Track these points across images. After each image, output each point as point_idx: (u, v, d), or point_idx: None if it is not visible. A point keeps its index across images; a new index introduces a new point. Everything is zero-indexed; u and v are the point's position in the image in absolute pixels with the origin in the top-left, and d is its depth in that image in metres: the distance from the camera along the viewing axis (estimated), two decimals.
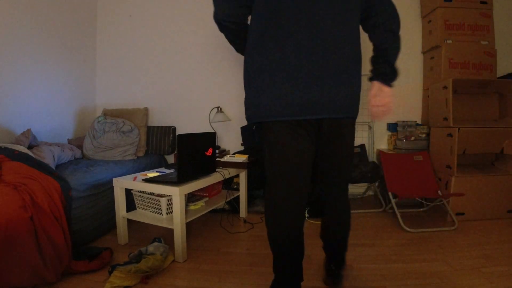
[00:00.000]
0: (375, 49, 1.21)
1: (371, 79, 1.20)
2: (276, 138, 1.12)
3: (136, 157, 2.65)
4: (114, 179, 1.89)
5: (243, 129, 2.83)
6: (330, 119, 1.12)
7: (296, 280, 1.23)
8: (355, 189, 2.89)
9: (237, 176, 2.44)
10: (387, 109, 1.16)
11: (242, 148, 2.84)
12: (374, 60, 1.21)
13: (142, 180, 1.82)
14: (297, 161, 1.11)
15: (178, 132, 3.04)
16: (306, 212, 2.35)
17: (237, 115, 3.02)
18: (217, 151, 2.55)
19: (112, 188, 1.92)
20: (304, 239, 1.23)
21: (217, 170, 2.06)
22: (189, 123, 3.09)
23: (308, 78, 1.05)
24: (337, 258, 1.41)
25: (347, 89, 1.09)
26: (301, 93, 1.05)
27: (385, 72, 1.16)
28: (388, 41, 1.17)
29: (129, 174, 2.16)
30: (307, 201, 1.20)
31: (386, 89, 1.16)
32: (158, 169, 2.24)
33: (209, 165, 1.99)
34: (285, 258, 1.19)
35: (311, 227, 2.13)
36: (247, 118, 1.21)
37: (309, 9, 1.04)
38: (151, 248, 1.59)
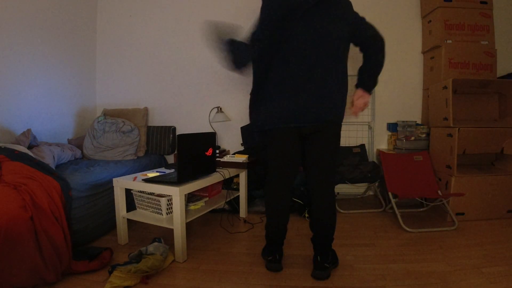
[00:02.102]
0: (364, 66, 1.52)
1: (357, 86, 1.53)
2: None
3: (136, 157, 2.65)
4: (114, 179, 1.89)
5: (243, 129, 2.83)
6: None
7: (281, 235, 1.61)
8: (355, 189, 2.89)
9: (237, 176, 2.44)
10: (364, 108, 1.53)
11: (242, 148, 2.84)
12: (360, 73, 1.53)
13: (142, 180, 1.81)
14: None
15: (178, 132, 3.04)
16: (306, 212, 2.35)
17: (237, 115, 3.02)
18: (217, 151, 2.55)
19: (112, 188, 1.92)
20: (289, 211, 1.61)
21: (217, 170, 2.06)
22: (189, 123, 3.09)
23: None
24: (322, 249, 1.53)
25: (325, 102, 1.40)
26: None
27: (369, 84, 1.51)
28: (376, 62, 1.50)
29: (129, 174, 2.16)
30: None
31: (367, 94, 1.51)
32: (158, 169, 2.24)
33: (209, 165, 1.99)
34: (275, 219, 1.57)
35: None
36: None
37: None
38: (151, 248, 1.59)
